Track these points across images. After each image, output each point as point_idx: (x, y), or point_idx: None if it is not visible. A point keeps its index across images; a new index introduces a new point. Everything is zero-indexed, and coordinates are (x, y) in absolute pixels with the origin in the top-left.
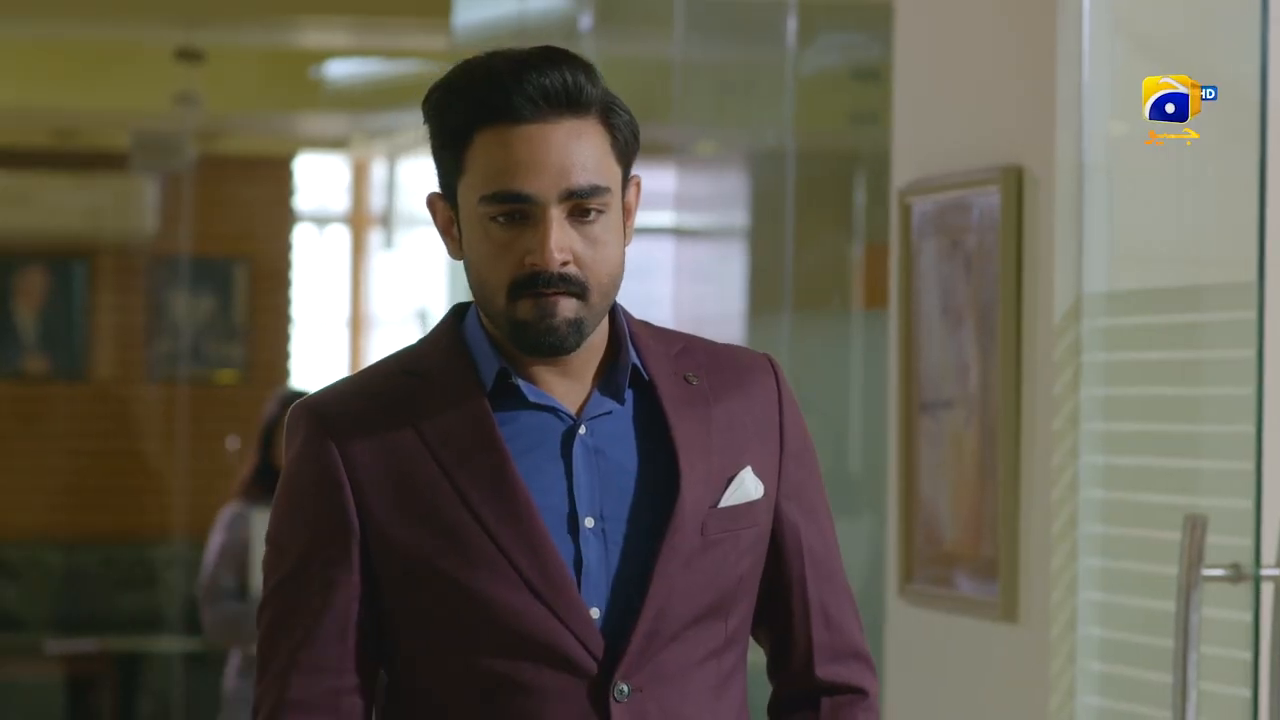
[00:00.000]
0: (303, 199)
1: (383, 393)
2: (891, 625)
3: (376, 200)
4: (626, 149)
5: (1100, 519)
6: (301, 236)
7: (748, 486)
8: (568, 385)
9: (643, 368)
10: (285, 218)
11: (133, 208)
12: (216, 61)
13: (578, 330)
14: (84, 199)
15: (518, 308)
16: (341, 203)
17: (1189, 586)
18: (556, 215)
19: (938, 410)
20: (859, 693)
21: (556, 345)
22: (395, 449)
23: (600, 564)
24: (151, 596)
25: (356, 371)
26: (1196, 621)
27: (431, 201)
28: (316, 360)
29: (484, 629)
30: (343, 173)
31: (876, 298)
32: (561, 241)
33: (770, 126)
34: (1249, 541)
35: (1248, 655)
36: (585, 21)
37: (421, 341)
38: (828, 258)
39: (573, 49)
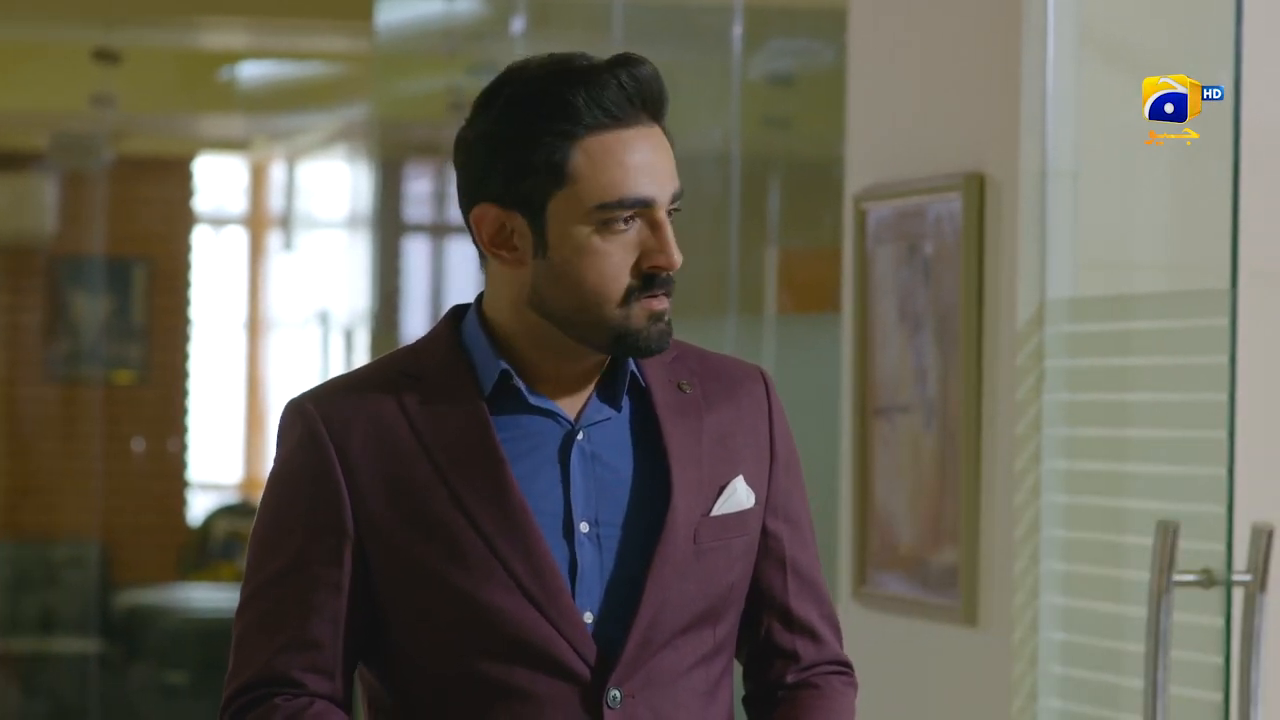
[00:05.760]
0: (201, 200)
1: (380, 393)
2: (845, 629)
3: (275, 202)
4: None
5: (1063, 523)
6: (200, 238)
7: (739, 495)
8: (568, 390)
9: (640, 375)
10: (185, 219)
11: (30, 207)
12: (131, 63)
13: (671, 329)
14: None
15: (631, 314)
16: (240, 204)
17: (1161, 591)
18: (666, 217)
19: (893, 414)
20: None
21: (665, 345)
22: (391, 451)
23: (595, 569)
24: (50, 597)
25: (353, 370)
26: (1168, 626)
27: (481, 214)
28: (215, 362)
29: (477, 633)
30: (241, 174)
31: (790, 303)
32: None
33: (710, 130)
34: (1217, 547)
35: (1217, 660)
36: (517, 24)
37: (419, 342)
38: (743, 262)
39: (505, 51)
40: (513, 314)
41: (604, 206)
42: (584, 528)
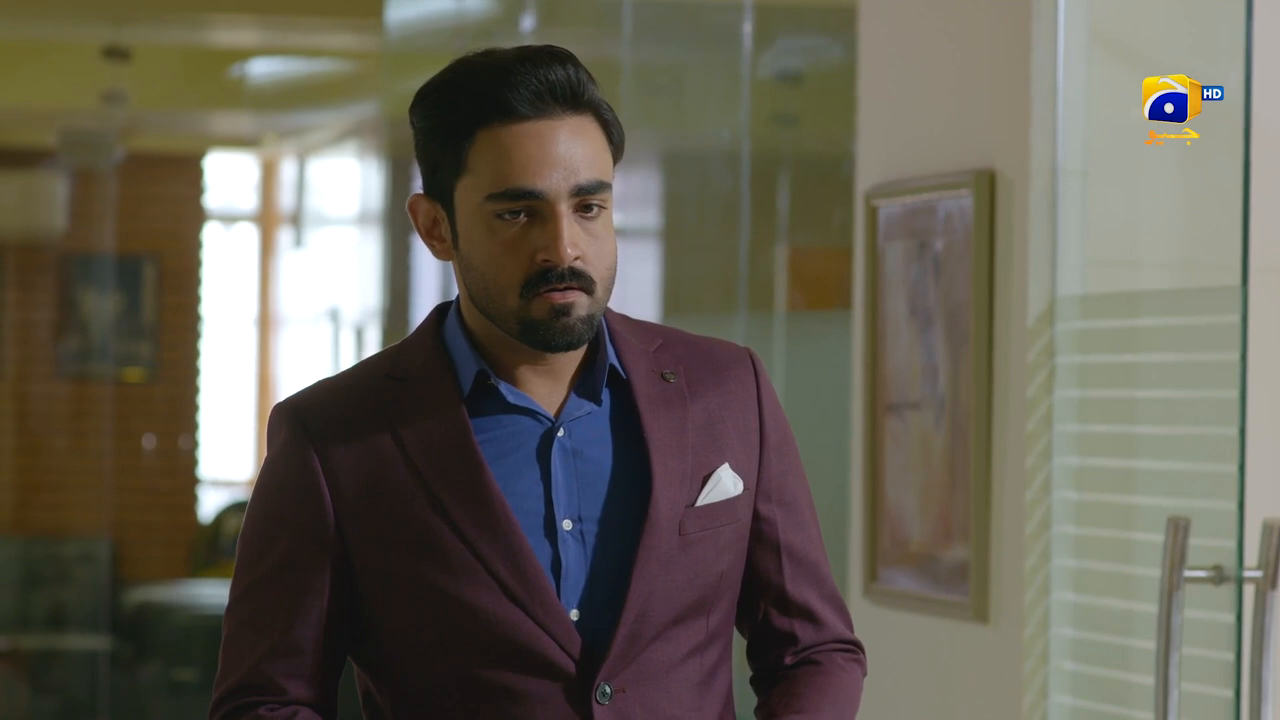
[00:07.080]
0: (211, 197)
1: (363, 397)
2: (856, 625)
3: (286, 199)
4: (617, 150)
5: (1073, 520)
6: (210, 235)
7: (725, 484)
8: (547, 386)
9: (620, 366)
10: (195, 216)
11: (41, 205)
12: (142, 60)
13: (589, 325)
14: None
15: (531, 307)
16: (250, 201)
17: (1171, 588)
18: (565, 211)
19: (904, 411)
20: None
21: (572, 342)
22: (374, 455)
23: (579, 566)
24: (61, 593)
25: (339, 372)
26: (1179, 623)
27: (414, 204)
28: (225, 359)
29: (463, 635)
30: (252, 171)
31: (800, 300)
32: (572, 237)
33: (720, 128)
34: (1228, 543)
35: (1228, 656)
36: (527, 22)
37: (404, 343)
38: (753, 259)
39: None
40: (468, 310)
41: (491, 198)
42: (567, 525)
